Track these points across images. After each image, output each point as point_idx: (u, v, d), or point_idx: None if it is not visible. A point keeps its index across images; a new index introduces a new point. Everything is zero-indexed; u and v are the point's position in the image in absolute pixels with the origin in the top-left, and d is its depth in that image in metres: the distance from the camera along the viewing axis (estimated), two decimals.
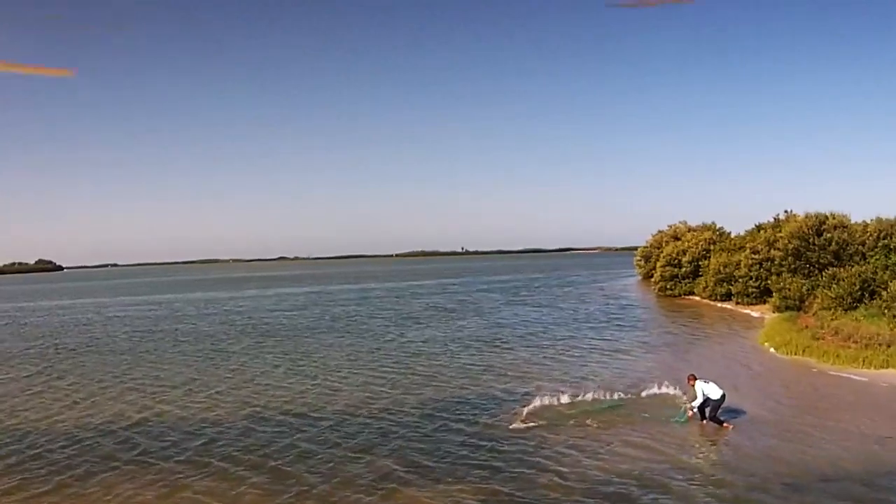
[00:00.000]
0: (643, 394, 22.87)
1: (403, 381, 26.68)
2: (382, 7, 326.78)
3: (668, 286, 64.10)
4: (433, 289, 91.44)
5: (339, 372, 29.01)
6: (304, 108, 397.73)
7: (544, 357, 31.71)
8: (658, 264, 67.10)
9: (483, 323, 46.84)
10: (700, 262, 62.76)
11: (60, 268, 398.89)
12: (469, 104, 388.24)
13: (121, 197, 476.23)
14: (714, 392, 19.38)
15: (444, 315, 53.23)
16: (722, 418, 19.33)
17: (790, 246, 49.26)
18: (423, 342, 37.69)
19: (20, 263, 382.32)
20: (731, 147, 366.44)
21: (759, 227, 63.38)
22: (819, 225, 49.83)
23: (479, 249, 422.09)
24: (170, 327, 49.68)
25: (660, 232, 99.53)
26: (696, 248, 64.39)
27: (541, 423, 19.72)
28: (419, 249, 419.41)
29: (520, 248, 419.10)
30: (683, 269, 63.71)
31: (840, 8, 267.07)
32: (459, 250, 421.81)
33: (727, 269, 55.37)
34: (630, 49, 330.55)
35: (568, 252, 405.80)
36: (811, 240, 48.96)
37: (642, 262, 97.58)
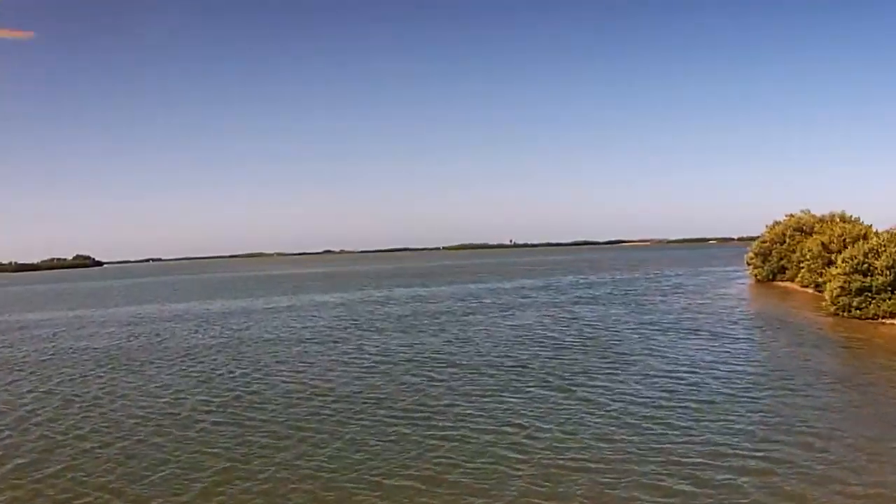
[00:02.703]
0: None
1: None
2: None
3: (856, 303, 44.10)
4: (508, 295, 70.89)
5: None
6: (349, 102, 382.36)
7: None
8: (835, 271, 46.72)
9: (644, 383, 26.67)
10: None
11: (99, 263, 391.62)
12: (510, 93, 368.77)
13: (165, 191, 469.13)
14: None
15: (559, 358, 32.90)
16: None
17: None
18: (561, 457, 17.76)
19: (58, 259, 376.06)
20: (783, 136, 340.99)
21: None
22: None
23: (528, 242, 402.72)
24: (99, 388, 31.27)
25: (776, 223, 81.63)
26: (894, 247, 44.52)
27: None
28: (467, 242, 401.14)
29: (568, 240, 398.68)
30: (879, 280, 43.65)
31: None
32: (507, 243, 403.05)
33: None
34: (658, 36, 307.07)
35: (620, 244, 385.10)
36: None
37: (758, 262, 79.66)
